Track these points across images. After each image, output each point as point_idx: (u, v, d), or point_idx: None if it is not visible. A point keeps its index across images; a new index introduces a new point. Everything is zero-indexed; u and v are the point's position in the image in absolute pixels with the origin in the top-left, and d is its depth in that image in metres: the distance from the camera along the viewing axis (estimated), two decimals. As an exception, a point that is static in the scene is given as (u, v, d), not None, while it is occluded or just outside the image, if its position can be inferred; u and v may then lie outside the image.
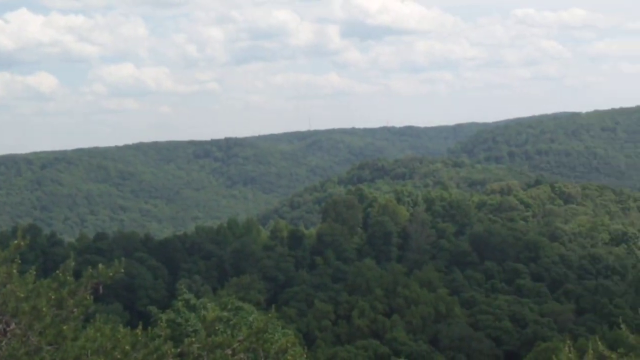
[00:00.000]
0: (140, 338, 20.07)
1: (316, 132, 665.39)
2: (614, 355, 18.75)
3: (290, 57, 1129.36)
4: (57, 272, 20.59)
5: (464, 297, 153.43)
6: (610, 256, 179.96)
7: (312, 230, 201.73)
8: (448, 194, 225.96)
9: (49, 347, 19.37)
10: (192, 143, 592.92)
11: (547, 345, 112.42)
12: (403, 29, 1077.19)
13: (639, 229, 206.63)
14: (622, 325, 21.09)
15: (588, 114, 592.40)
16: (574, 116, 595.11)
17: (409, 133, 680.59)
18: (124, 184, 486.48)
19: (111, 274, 20.76)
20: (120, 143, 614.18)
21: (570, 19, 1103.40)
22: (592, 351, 18.67)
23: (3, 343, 19.20)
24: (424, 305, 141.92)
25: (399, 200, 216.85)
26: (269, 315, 22.05)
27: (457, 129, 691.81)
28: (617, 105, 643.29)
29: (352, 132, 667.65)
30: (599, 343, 18.98)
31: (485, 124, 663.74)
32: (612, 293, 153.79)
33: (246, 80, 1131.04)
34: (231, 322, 41.81)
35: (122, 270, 20.64)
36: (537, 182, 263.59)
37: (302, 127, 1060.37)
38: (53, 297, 20.02)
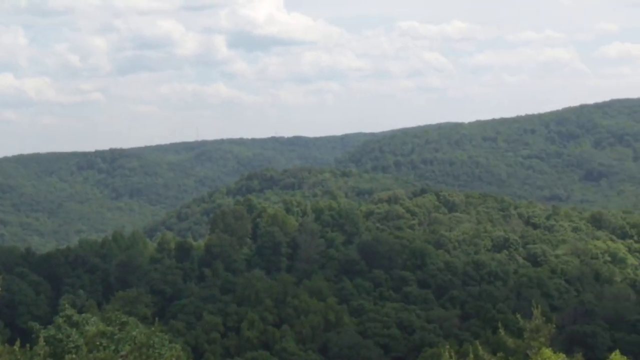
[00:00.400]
0: (19, 356, 19.36)
1: (204, 143, 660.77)
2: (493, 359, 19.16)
3: (177, 67, 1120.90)
4: None
5: (352, 306, 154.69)
6: (493, 262, 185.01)
7: (201, 242, 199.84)
8: (336, 203, 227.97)
9: None
10: (75, 154, 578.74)
11: (433, 351, 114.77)
12: (290, 39, 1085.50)
13: (519, 235, 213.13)
14: (501, 330, 21.63)
15: (470, 124, 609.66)
16: (457, 126, 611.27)
17: (298, 143, 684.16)
18: (4, 197, 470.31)
19: (-15, 290, 19.90)
20: (0, 155, 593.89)
21: (451, 31, 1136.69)
22: (472, 356, 19.03)
23: None
24: (313, 315, 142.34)
25: (288, 210, 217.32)
26: (153, 329, 21.56)
27: (345, 139, 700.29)
28: (497, 115, 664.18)
29: (241, 142, 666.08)
30: (479, 347, 19.39)
31: (372, 134, 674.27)
32: (495, 298, 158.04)
33: (131, 91, 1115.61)
34: (115, 337, 40.74)
35: (-2, 287, 19.80)
36: (423, 191, 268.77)
37: (190, 137, 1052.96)
38: None
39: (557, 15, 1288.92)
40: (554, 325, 26.07)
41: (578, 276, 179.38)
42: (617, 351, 29.80)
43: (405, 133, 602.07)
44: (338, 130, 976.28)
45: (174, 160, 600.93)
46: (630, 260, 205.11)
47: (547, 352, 25.30)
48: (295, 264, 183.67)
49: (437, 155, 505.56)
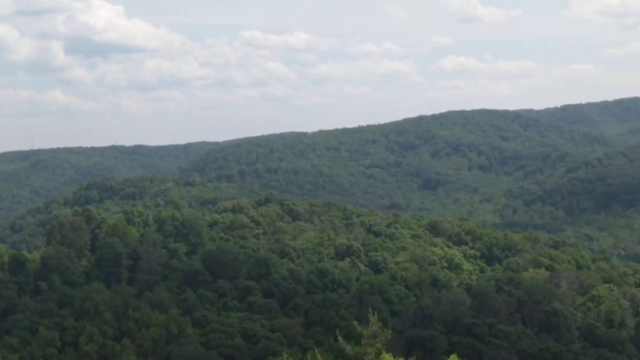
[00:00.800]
0: None
1: (40, 152, 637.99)
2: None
3: (11, 73, 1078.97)
4: None
5: (196, 317, 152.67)
6: (336, 270, 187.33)
7: (36, 254, 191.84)
8: (179, 213, 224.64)
9: None
10: None
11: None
12: (131, 46, 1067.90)
13: (362, 243, 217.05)
14: (339, 337, 21.54)
15: (314, 134, 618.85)
16: (300, 136, 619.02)
17: (139, 152, 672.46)
18: None
19: None
20: None
21: (294, 42, 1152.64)
22: (310, 364, 18.71)
23: None
24: (155, 327, 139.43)
25: (129, 220, 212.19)
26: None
27: (188, 148, 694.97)
28: (340, 125, 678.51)
29: (79, 151, 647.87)
30: (318, 355, 19.11)
31: (216, 143, 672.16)
32: (338, 305, 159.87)
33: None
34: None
35: None
36: (267, 200, 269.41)
37: (25, 146, 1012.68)
38: None
39: (396, 29, 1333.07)
40: (390, 331, 26.17)
41: (417, 282, 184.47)
42: (455, 355, 30.26)
43: (249, 142, 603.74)
44: (181, 139, 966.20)
45: (8, 169, 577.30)
46: (466, 265, 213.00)
47: (387, 357, 25.30)
48: (137, 276, 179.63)
49: (282, 165, 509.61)
